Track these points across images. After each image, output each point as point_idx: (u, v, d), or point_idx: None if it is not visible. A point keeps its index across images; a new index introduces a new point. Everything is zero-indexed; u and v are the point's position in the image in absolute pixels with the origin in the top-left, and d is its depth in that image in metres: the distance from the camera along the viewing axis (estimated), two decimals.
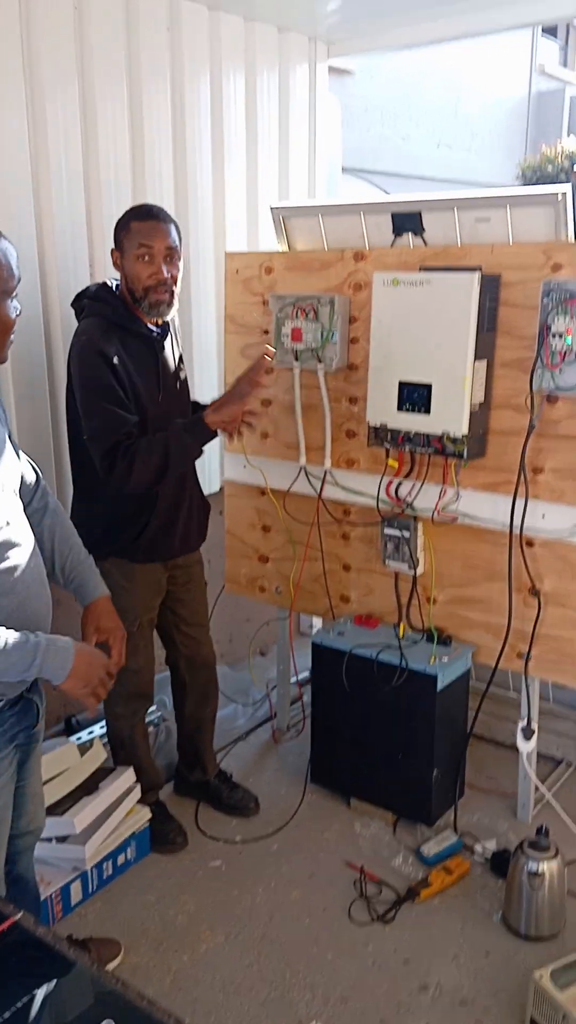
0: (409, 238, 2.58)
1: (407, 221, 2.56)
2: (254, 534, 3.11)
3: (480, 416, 2.40)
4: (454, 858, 2.50)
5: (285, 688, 3.23)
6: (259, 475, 2.95)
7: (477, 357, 2.31)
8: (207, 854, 2.60)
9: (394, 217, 2.58)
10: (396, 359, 2.44)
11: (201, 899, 2.41)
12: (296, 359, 2.72)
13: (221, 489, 3.23)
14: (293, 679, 3.24)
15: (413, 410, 2.42)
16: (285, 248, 2.90)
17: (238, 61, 3.12)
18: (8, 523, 1.61)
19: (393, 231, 2.60)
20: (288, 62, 3.31)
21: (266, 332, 2.85)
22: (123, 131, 2.78)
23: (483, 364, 2.35)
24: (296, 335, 2.68)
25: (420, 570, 2.66)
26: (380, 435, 2.53)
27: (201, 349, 3.21)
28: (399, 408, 2.44)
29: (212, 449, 3.33)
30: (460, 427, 2.35)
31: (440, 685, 2.49)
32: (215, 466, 3.32)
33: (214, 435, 2.30)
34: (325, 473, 2.80)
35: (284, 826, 2.70)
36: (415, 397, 2.41)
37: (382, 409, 2.49)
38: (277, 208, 2.82)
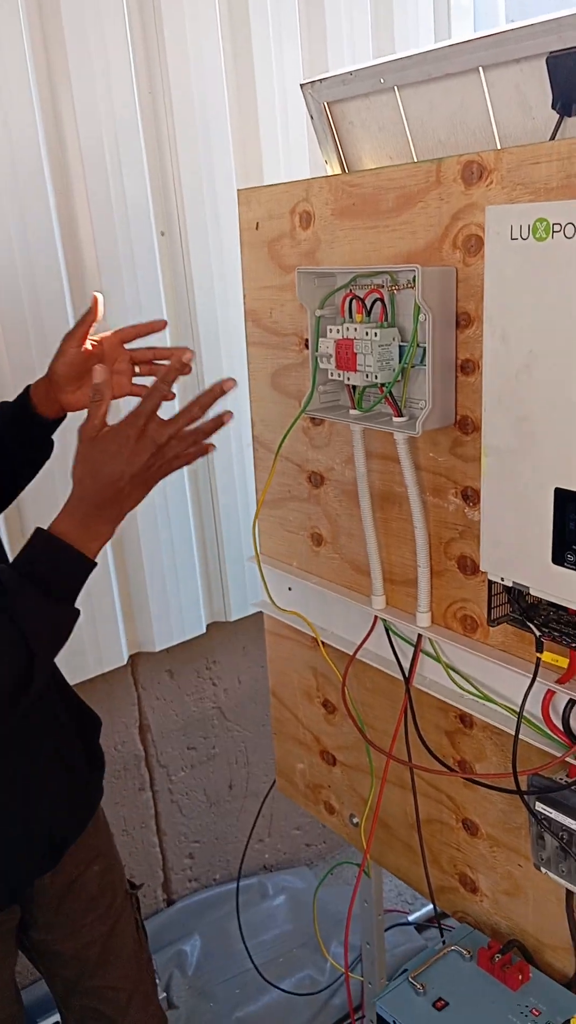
0: None
1: None
2: (311, 709, 1.71)
3: None
4: None
5: (375, 974, 1.82)
6: (306, 607, 1.56)
7: None
8: None
9: (551, 69, 1.04)
10: (544, 424, 0.93)
11: None
12: (356, 405, 1.28)
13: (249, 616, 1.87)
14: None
15: None
16: (336, 171, 1.43)
17: None
18: None
19: (554, 103, 1.07)
20: None
21: (307, 343, 1.42)
22: None
23: None
24: (344, 357, 1.23)
25: None
26: (517, 606, 1.05)
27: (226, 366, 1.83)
28: (556, 558, 0.94)
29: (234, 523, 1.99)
30: None
31: None
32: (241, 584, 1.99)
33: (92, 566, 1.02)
34: (419, 639, 1.35)
35: None
36: None
37: (514, 550, 0.99)
38: (308, 85, 1.34)
